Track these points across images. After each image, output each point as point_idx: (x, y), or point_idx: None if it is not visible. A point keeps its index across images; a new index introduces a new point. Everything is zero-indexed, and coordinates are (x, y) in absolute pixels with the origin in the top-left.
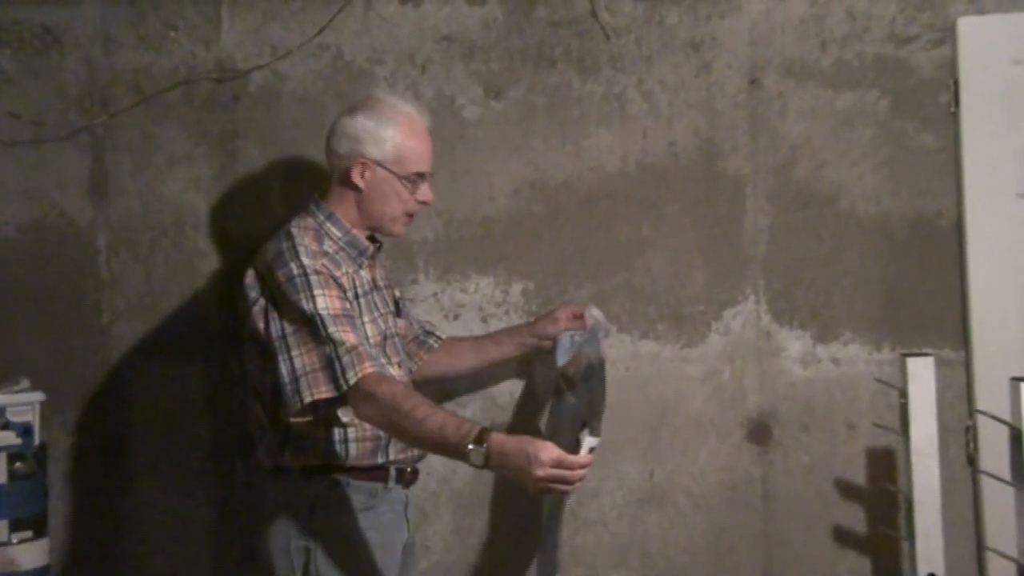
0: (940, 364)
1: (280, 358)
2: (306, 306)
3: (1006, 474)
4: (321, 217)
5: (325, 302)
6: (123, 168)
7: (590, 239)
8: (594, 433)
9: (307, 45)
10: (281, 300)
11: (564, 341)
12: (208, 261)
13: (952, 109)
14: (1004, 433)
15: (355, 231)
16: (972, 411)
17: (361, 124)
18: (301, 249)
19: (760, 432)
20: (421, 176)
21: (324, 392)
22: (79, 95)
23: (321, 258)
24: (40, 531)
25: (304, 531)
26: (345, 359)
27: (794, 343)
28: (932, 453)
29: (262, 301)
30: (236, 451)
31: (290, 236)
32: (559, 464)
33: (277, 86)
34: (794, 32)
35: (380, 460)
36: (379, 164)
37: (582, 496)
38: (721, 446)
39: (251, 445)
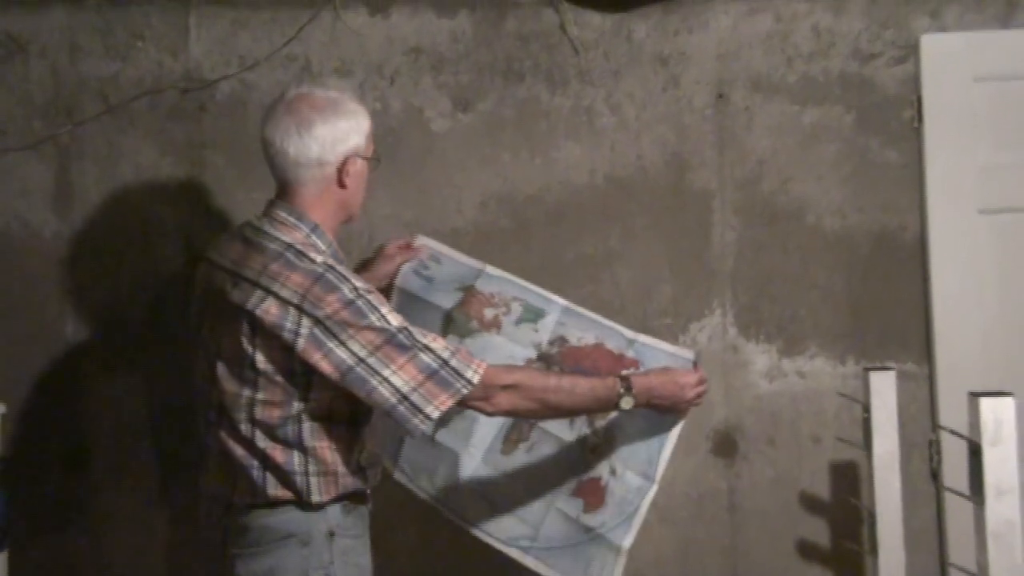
0: (904, 378)
1: (370, 385)
2: (381, 325)
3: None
4: (306, 230)
5: (395, 316)
6: (88, 178)
7: (558, 251)
8: None
9: (275, 55)
10: (340, 327)
11: (410, 277)
12: (174, 271)
13: (916, 125)
14: (966, 447)
15: (334, 240)
16: (935, 425)
17: (336, 125)
18: (341, 269)
19: (726, 445)
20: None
21: (446, 401)
22: (44, 104)
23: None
24: None
25: (322, 560)
26: (453, 362)
27: (760, 357)
28: (894, 467)
29: (305, 332)
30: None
31: (304, 256)
32: (701, 382)
33: (244, 96)
34: (760, 48)
35: (372, 484)
36: (359, 156)
37: None
38: (688, 459)
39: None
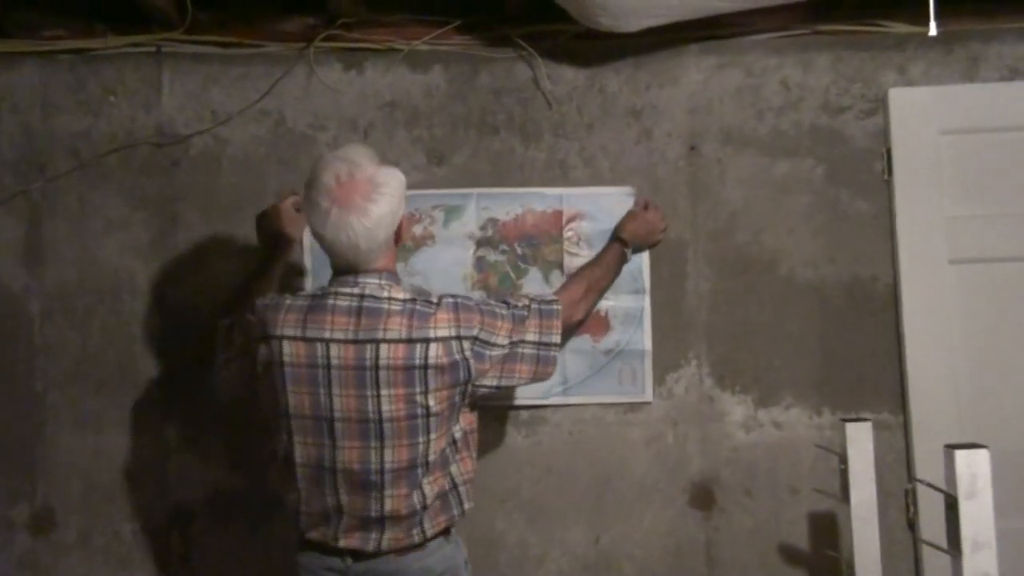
0: (879, 428)
1: (517, 356)
2: (502, 311)
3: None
4: (396, 283)
5: (494, 298)
6: (59, 233)
7: None
8: None
9: (249, 110)
10: (494, 328)
11: None
12: (146, 328)
13: (885, 177)
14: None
15: None
16: (911, 475)
17: (391, 203)
18: (460, 296)
19: (703, 497)
20: None
21: (558, 326)
22: (15, 160)
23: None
24: None
25: None
26: (544, 307)
27: (736, 407)
28: (872, 519)
29: (469, 353)
30: (173, 523)
31: (441, 299)
32: (659, 212)
33: (218, 151)
34: (731, 101)
35: None
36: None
37: (526, 564)
38: (665, 511)
39: (362, 529)
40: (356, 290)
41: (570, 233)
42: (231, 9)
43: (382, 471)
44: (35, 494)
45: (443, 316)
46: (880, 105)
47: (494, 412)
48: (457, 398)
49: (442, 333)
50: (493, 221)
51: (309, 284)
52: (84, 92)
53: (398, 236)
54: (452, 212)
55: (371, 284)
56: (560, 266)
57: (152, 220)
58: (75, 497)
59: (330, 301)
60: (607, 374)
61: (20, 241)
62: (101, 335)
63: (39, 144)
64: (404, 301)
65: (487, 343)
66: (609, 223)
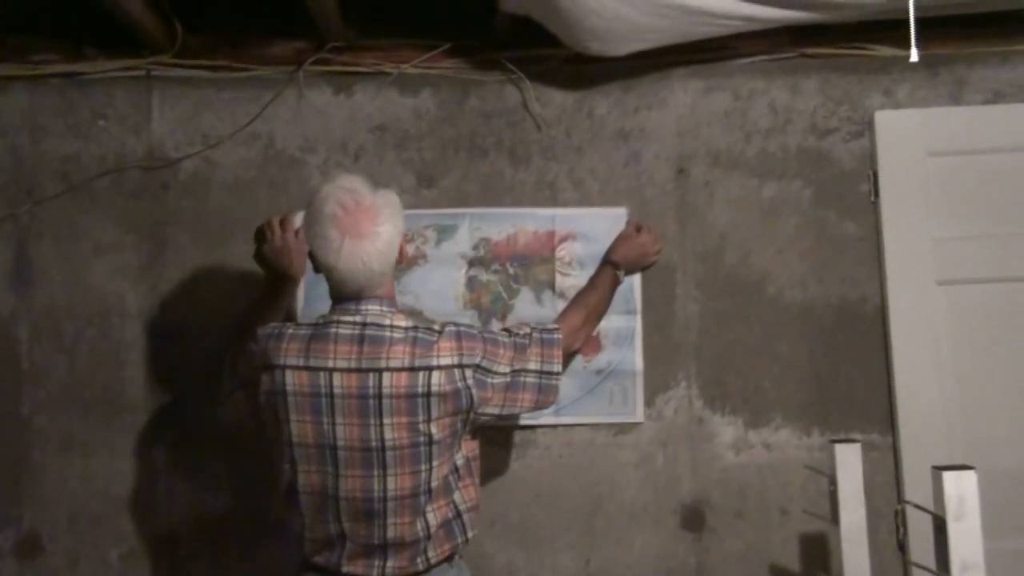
0: (869, 449)
1: (519, 384)
2: (503, 339)
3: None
4: (396, 309)
5: (496, 327)
6: (47, 257)
7: None
8: None
9: (239, 134)
10: (496, 357)
11: None
12: (135, 352)
13: (872, 199)
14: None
15: None
16: (900, 496)
17: (396, 223)
18: (463, 324)
19: (694, 518)
20: None
21: (558, 354)
22: (4, 183)
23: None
24: None
25: None
26: (545, 336)
27: (726, 428)
28: (862, 540)
29: (472, 381)
30: (161, 548)
31: (443, 327)
32: (652, 234)
33: (208, 174)
34: (719, 124)
35: None
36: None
37: None
38: (656, 534)
39: (373, 556)
40: (358, 318)
41: (562, 253)
42: (221, 33)
43: (385, 499)
44: (21, 519)
45: (446, 344)
46: (867, 127)
47: (484, 435)
48: (459, 426)
49: (445, 361)
50: (485, 241)
51: (300, 306)
52: (74, 116)
53: (399, 257)
54: (445, 232)
55: (373, 311)
56: (552, 286)
57: (141, 243)
58: (62, 522)
59: (333, 330)
60: (598, 394)
61: (8, 264)
62: (89, 359)
63: (28, 167)
64: (406, 329)
65: (489, 371)
66: (601, 243)
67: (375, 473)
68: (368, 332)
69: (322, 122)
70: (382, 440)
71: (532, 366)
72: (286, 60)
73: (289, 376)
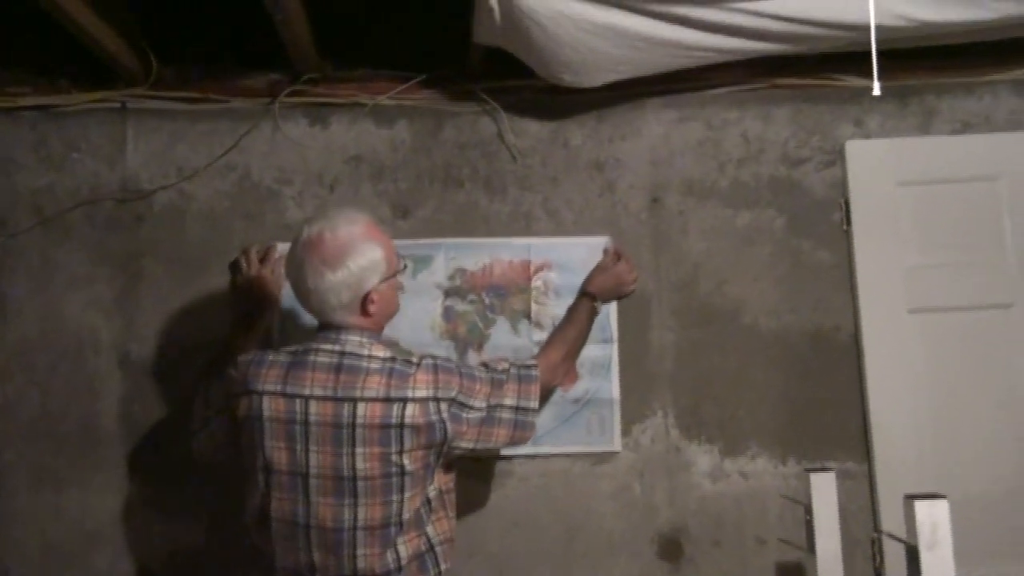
0: (844, 477)
1: (494, 420)
2: (480, 375)
3: None
4: (376, 339)
5: (474, 362)
6: (20, 289)
7: None
8: None
9: (214, 165)
10: (472, 392)
11: None
12: (109, 384)
13: (844, 227)
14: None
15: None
16: (876, 524)
17: (351, 270)
18: (440, 357)
19: (671, 548)
20: (400, 256)
21: (535, 391)
22: None
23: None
24: None
25: None
26: (523, 372)
27: (703, 457)
28: (838, 569)
29: (447, 415)
30: None
31: (421, 359)
32: (630, 264)
33: (183, 206)
34: (692, 154)
35: None
36: (381, 283)
37: None
38: (633, 563)
39: None
40: (337, 347)
41: (538, 283)
42: (196, 65)
43: (355, 528)
44: None
45: (422, 377)
46: (838, 157)
47: (460, 464)
48: (432, 458)
49: (420, 394)
50: (461, 271)
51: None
52: (47, 148)
53: (366, 310)
54: (421, 262)
55: (352, 341)
56: (528, 315)
57: (116, 276)
58: (33, 558)
59: (311, 358)
60: (575, 424)
61: None
62: (63, 392)
63: (0, 200)
64: (384, 360)
65: (465, 405)
66: (577, 272)
67: (345, 502)
68: (346, 361)
69: (297, 154)
70: (354, 469)
71: (508, 402)
72: (261, 92)
73: (266, 402)
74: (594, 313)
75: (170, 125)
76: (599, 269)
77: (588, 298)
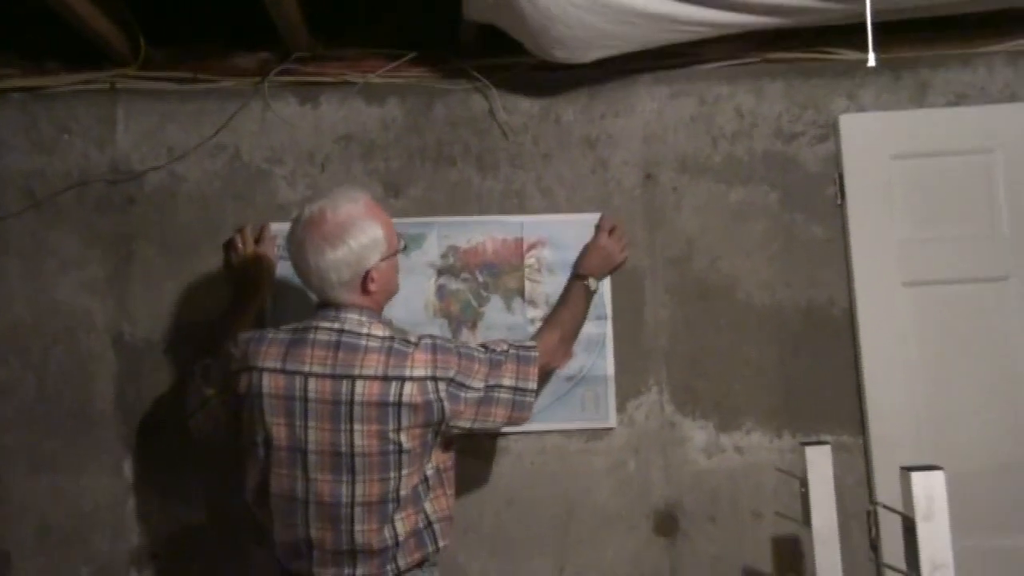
0: (839, 450)
1: (494, 400)
2: (479, 355)
3: None
4: (375, 319)
5: (473, 342)
6: (12, 273)
7: None
8: None
9: (204, 146)
10: (470, 372)
11: None
12: (103, 366)
13: (838, 202)
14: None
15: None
16: (872, 497)
17: (352, 248)
18: (439, 337)
19: (667, 523)
20: (400, 235)
21: (534, 373)
22: None
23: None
24: None
25: None
26: (522, 353)
27: (698, 433)
28: (834, 541)
29: (444, 395)
30: (132, 564)
31: (420, 339)
32: (621, 239)
33: (174, 187)
34: (685, 130)
35: None
36: (382, 261)
37: None
38: (629, 539)
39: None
40: (336, 324)
41: (531, 260)
42: (185, 45)
43: (352, 504)
44: None
45: (420, 356)
46: (831, 131)
47: (456, 443)
48: (430, 437)
49: (418, 373)
50: (454, 249)
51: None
52: (37, 131)
53: (366, 288)
54: (414, 241)
55: (351, 319)
56: (521, 293)
57: (108, 258)
58: (30, 540)
59: (311, 335)
60: (570, 401)
61: None
62: (57, 375)
63: None
64: (383, 339)
65: (463, 385)
66: (570, 250)
67: (344, 478)
68: (344, 339)
69: (288, 133)
70: (352, 446)
71: (507, 382)
72: (251, 71)
73: (266, 379)
74: (589, 292)
75: (160, 106)
76: (587, 248)
77: (580, 279)
